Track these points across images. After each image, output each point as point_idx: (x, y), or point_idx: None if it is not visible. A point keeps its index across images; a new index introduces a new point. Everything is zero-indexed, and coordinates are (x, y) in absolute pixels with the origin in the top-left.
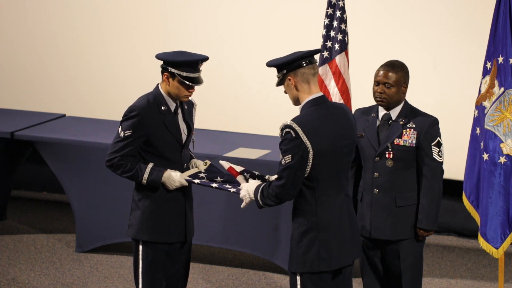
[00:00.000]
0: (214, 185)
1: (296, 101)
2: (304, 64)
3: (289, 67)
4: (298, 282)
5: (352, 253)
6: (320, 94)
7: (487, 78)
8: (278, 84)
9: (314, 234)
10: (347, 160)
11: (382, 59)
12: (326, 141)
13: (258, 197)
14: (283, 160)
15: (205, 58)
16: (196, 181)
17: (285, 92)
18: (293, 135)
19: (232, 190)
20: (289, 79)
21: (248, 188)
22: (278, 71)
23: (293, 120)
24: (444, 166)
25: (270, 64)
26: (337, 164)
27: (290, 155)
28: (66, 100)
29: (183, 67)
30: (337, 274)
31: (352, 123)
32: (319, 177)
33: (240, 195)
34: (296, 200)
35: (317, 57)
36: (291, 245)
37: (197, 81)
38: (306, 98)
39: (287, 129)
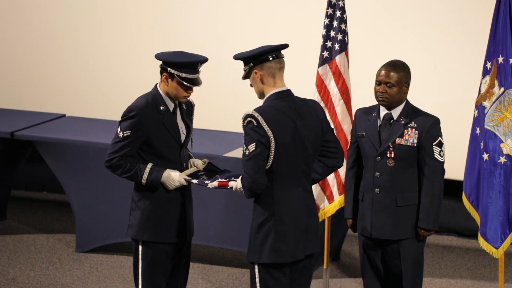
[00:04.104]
0: (210, 186)
1: (261, 95)
2: (271, 58)
3: (255, 61)
4: (256, 273)
5: (306, 248)
6: (285, 88)
7: (487, 78)
8: (245, 77)
9: (270, 225)
10: (308, 155)
11: (382, 59)
12: (287, 133)
13: (242, 187)
14: (246, 150)
15: (205, 60)
16: (195, 181)
17: (251, 85)
18: (255, 124)
19: (228, 187)
20: (255, 73)
21: (238, 181)
22: (245, 64)
23: (255, 109)
24: (444, 166)
25: (237, 57)
26: (296, 158)
27: (254, 144)
28: (66, 100)
29: (182, 68)
30: (295, 267)
31: (319, 118)
32: (278, 169)
33: (233, 188)
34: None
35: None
36: (250, 235)
37: (196, 82)
38: (270, 92)
39: (249, 119)
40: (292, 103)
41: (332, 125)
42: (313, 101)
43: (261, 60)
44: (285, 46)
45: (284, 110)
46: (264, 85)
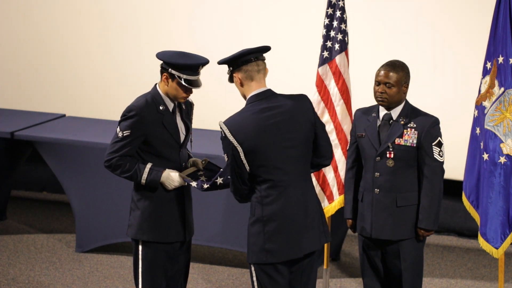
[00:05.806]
0: (205, 186)
1: (244, 97)
2: (252, 60)
3: (234, 64)
4: (253, 272)
5: (306, 245)
6: (264, 88)
7: (487, 78)
8: (229, 81)
9: (260, 225)
10: (294, 153)
11: (382, 59)
12: (259, 137)
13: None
14: (225, 159)
15: (206, 62)
16: (193, 184)
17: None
18: (223, 134)
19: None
20: (235, 76)
21: None
22: (228, 68)
23: (225, 120)
24: (444, 166)
25: (220, 62)
26: (279, 158)
27: (225, 154)
28: (66, 100)
29: (184, 69)
30: (295, 266)
31: (307, 113)
32: (259, 171)
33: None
34: (251, 193)
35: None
36: (247, 236)
37: (196, 84)
38: (250, 94)
39: (220, 129)
40: (273, 102)
41: (332, 125)
42: (301, 95)
43: (238, 64)
44: (265, 48)
45: (256, 113)
46: (243, 88)
